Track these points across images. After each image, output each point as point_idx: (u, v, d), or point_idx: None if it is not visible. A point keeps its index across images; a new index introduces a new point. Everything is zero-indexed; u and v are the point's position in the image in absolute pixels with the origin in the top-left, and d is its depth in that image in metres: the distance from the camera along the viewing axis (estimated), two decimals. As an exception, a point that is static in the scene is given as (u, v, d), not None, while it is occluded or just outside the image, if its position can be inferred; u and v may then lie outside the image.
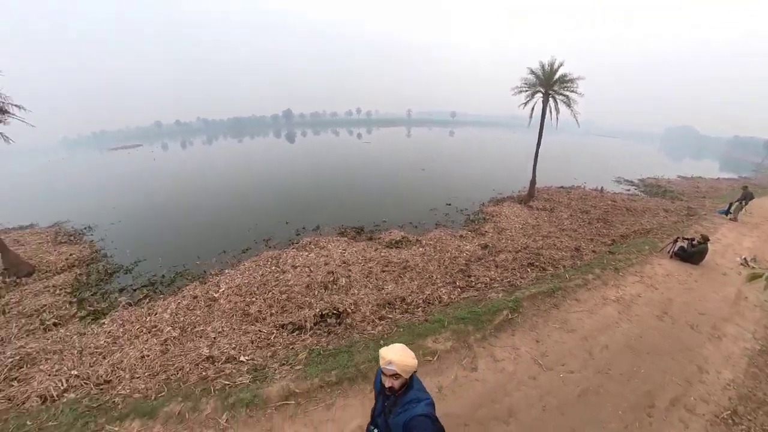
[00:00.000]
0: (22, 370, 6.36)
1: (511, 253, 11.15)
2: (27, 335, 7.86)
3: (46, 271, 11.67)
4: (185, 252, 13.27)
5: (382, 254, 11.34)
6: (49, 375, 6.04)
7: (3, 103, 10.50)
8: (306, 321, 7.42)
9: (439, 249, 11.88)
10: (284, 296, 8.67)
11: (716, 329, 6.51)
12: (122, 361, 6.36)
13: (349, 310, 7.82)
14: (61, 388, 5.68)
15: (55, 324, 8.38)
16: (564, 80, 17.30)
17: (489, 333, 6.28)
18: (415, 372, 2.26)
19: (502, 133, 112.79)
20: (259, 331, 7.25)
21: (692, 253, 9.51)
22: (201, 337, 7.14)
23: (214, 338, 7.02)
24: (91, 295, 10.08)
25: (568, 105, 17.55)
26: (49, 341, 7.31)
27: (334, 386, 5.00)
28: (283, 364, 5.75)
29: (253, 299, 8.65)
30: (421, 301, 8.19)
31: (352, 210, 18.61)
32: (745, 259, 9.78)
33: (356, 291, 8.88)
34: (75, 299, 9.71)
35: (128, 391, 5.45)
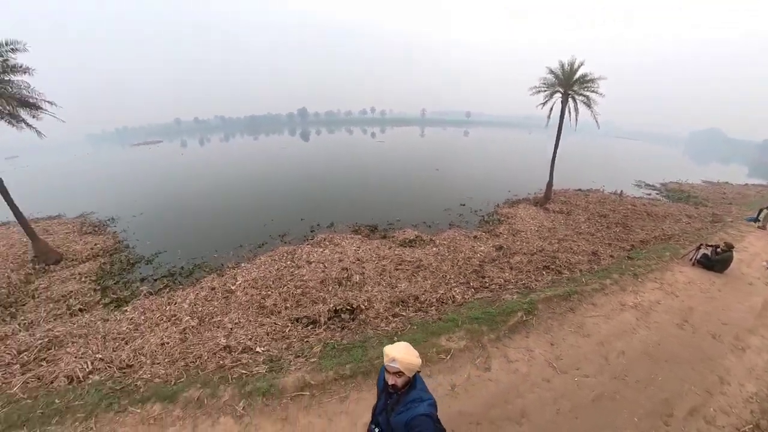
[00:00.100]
0: (50, 351, 6.69)
1: (526, 256, 11.02)
2: (54, 319, 8.26)
3: (73, 260, 12.19)
4: (203, 245, 13.63)
5: (396, 252, 11.39)
6: (76, 357, 6.32)
7: (36, 99, 11.01)
8: (320, 315, 7.54)
9: (453, 249, 11.84)
10: (299, 291, 8.82)
11: (740, 340, 6.28)
12: (143, 347, 6.60)
13: (363, 307, 7.90)
14: (87, 370, 5.94)
15: (80, 310, 8.77)
16: (584, 80, 16.95)
17: (503, 334, 6.25)
18: (418, 372, 2.26)
19: (518, 133, 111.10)
20: (275, 323, 7.41)
21: (716, 261, 9.20)
22: (218, 327, 7.34)
23: (231, 329, 7.20)
24: (114, 283, 10.48)
25: (588, 105, 17.19)
26: (75, 326, 7.64)
27: (348, 379, 5.08)
28: (298, 356, 5.88)
29: (269, 293, 8.83)
30: (434, 300, 8.19)
31: (366, 208, 18.70)
32: (773, 268, 9.41)
33: (370, 288, 8.95)
34: (99, 287, 10.13)
35: (149, 375, 5.66)
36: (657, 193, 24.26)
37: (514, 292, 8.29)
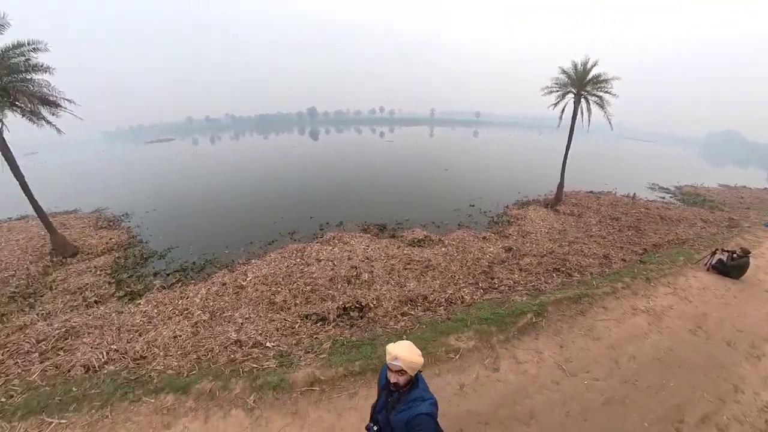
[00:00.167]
0: (67, 341, 6.89)
1: (535, 257, 10.94)
2: (71, 310, 8.49)
3: (89, 253, 12.50)
4: (214, 241, 13.84)
5: (405, 252, 11.41)
6: (92, 348, 6.50)
7: (56, 97, 11.32)
8: (329, 313, 7.60)
9: (462, 249, 11.81)
10: (308, 288, 8.90)
11: (755, 348, 6.14)
12: (156, 339, 6.75)
13: (372, 305, 7.94)
14: (102, 360, 6.11)
15: (96, 302, 9.00)
16: (597, 80, 16.72)
17: (512, 335, 6.23)
18: (420, 371, 2.26)
19: (529, 134, 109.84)
20: (284, 319, 7.50)
21: (732, 267, 9.00)
22: (229, 321, 7.46)
23: (242, 324, 7.31)
24: (128, 277, 10.71)
25: (602, 106, 16.94)
26: (91, 317, 7.85)
27: (357, 376, 5.14)
28: (308, 351, 5.95)
29: (279, 289, 8.94)
30: (443, 300, 8.18)
31: (375, 207, 18.75)
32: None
33: (378, 287, 8.99)
34: (114, 280, 10.37)
35: (162, 367, 5.80)
36: (671, 197, 23.78)
37: (523, 294, 8.24)
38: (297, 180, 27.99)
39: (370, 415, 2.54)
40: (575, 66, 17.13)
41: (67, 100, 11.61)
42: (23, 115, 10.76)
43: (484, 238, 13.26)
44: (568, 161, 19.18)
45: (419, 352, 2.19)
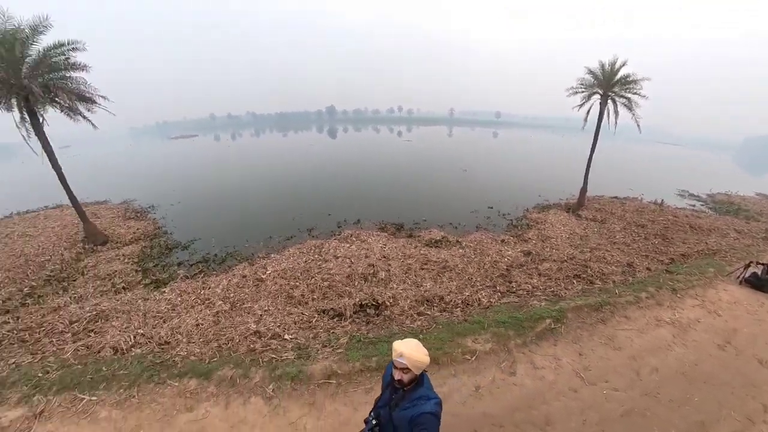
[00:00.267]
0: (97, 323, 7.28)
1: (555, 263, 10.71)
2: (101, 295, 8.93)
3: (117, 242, 13.09)
4: (235, 234, 14.22)
5: (422, 252, 11.39)
6: (120, 331, 6.83)
7: (92, 94, 11.89)
8: (346, 309, 7.70)
9: (480, 252, 11.69)
10: (326, 284, 9.03)
11: (790, 367, 5.85)
12: (180, 326, 7.02)
13: (388, 303, 7.99)
14: (130, 343, 6.41)
15: (123, 288, 9.42)
16: (626, 81, 16.13)
17: (530, 340, 6.15)
18: (426, 371, 2.26)
19: (551, 135, 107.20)
20: (302, 313, 7.64)
21: (767, 281, 8.56)
22: (249, 313, 7.67)
23: (261, 315, 7.51)
24: (154, 266, 11.14)
25: (630, 108, 16.34)
26: (119, 302, 8.23)
27: (374, 371, 5.20)
28: (325, 345, 6.06)
29: (297, 284, 9.10)
30: (459, 302, 8.14)
31: (392, 206, 18.77)
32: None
33: (395, 285, 9.02)
34: (140, 268, 10.82)
35: (185, 353, 6.03)
36: (702, 204, 22.68)
37: (542, 299, 8.09)
38: (315, 177, 28.34)
39: (372, 408, 2.55)
40: (602, 66, 16.57)
41: (102, 96, 12.18)
42: (62, 111, 11.35)
43: (502, 241, 13.07)
44: (592, 164, 18.61)
45: (426, 351, 2.18)
